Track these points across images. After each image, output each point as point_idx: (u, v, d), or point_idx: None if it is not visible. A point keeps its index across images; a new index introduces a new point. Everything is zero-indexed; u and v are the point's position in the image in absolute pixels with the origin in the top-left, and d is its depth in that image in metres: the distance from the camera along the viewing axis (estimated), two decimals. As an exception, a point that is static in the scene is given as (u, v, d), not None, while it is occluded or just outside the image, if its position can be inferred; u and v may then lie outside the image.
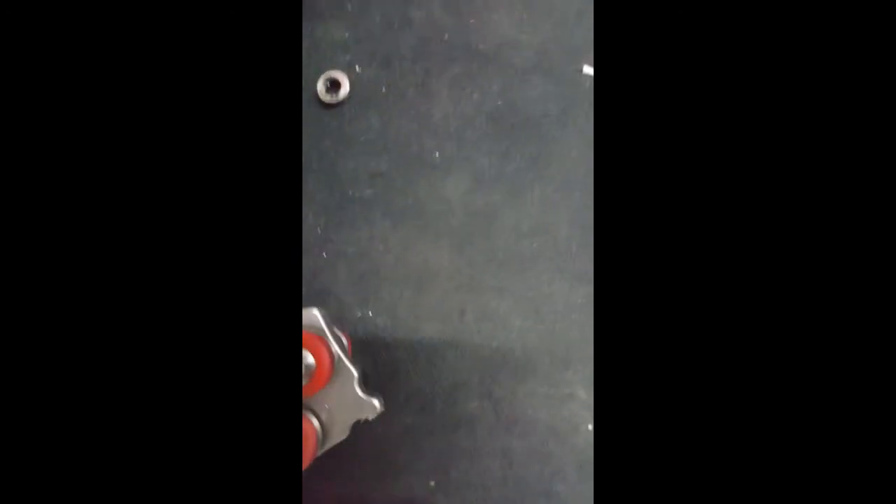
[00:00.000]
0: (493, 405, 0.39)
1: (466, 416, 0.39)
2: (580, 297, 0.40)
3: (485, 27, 0.43)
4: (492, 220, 0.41)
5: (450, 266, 0.40)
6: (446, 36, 0.43)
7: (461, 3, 0.44)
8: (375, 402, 0.36)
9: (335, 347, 0.36)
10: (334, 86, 0.41)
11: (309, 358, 0.34)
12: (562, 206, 0.41)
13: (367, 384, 0.37)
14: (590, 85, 0.43)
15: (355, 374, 0.36)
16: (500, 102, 0.42)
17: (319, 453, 0.36)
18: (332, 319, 0.37)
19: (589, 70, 0.43)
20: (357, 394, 0.36)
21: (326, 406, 0.36)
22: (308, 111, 0.42)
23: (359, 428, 0.37)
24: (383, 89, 0.42)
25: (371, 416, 0.36)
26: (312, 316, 0.36)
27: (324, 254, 0.40)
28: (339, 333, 0.37)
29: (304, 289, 0.40)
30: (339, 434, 0.36)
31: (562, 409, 0.39)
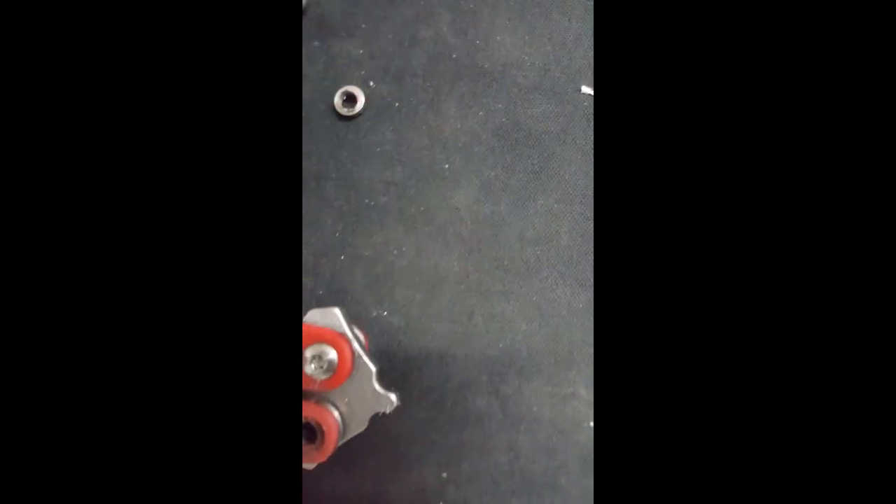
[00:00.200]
0: (500, 402, 0.41)
1: (475, 413, 0.41)
2: (581, 301, 0.42)
3: (490, 48, 0.46)
4: (498, 229, 0.43)
5: (459, 271, 0.42)
6: (454, 55, 0.46)
7: (468, 25, 0.47)
8: (392, 397, 0.38)
9: (355, 344, 0.37)
10: (350, 99, 0.44)
11: (332, 353, 0.36)
12: (563, 216, 0.43)
13: (383, 380, 0.39)
14: (588, 104, 0.45)
15: (373, 369, 0.38)
16: (504, 119, 0.45)
17: (340, 444, 0.37)
18: (351, 318, 0.39)
19: (587, 90, 0.46)
20: (375, 388, 0.38)
21: (346, 400, 0.37)
22: (326, 123, 0.44)
23: (375, 423, 0.39)
24: (396, 104, 0.45)
25: (388, 410, 0.38)
26: (334, 315, 0.38)
27: (342, 256, 0.42)
28: (358, 332, 0.39)
29: (323, 289, 0.42)
30: (357, 426, 0.38)
31: (565, 406, 0.41)
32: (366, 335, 0.40)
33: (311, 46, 0.46)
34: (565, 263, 0.43)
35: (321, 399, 0.37)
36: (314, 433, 0.36)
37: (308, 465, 0.37)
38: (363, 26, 0.46)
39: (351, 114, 0.44)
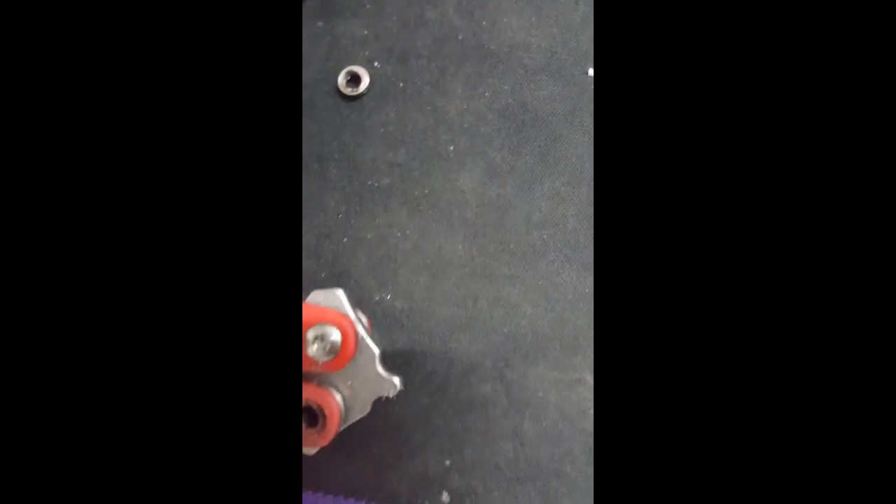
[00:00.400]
0: (505, 388, 0.40)
1: (480, 398, 0.40)
2: (588, 286, 0.41)
3: (496, 29, 0.45)
4: (504, 212, 0.42)
5: (464, 254, 0.42)
6: (460, 36, 0.45)
7: (474, 6, 0.46)
8: (396, 380, 0.37)
9: (358, 326, 0.37)
10: (354, 79, 0.43)
11: (334, 335, 0.35)
12: (570, 199, 0.43)
13: (386, 364, 0.38)
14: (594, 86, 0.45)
15: (376, 352, 0.37)
16: (510, 100, 0.44)
17: (342, 428, 0.36)
18: (353, 302, 0.38)
19: (593, 72, 0.45)
20: (378, 371, 0.37)
21: (349, 383, 0.37)
22: (329, 103, 0.43)
23: (377, 408, 0.38)
24: (401, 85, 0.44)
25: (392, 394, 0.37)
26: (336, 296, 0.37)
27: (344, 239, 0.41)
28: (361, 315, 0.38)
29: (325, 272, 0.41)
30: (360, 410, 0.37)
31: (571, 393, 0.40)
32: (369, 319, 0.39)
33: (314, 27, 0.45)
34: (572, 247, 0.42)
35: (323, 381, 0.36)
36: (315, 417, 0.35)
37: (309, 450, 0.36)
38: (368, 7, 0.45)
39: (355, 94, 0.43)
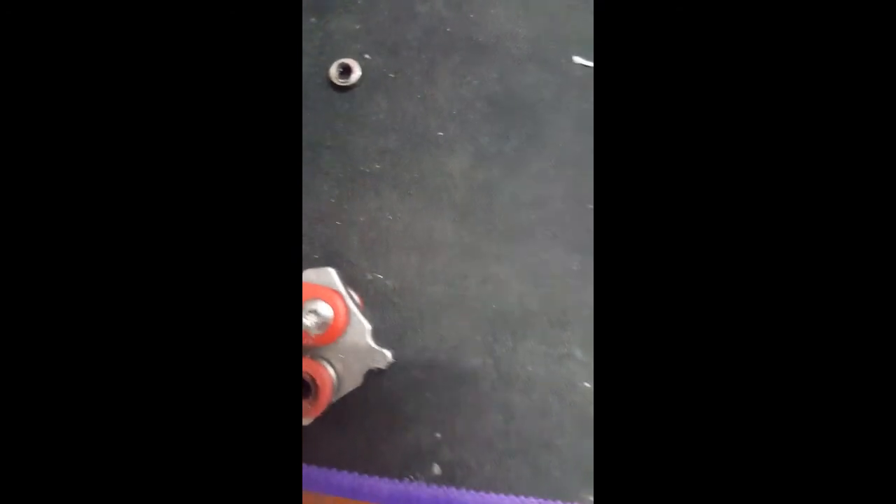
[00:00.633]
0: (494, 362, 0.41)
1: (469, 372, 0.41)
2: (575, 263, 0.42)
3: (484, 20, 0.47)
4: (492, 194, 0.44)
5: (453, 235, 0.43)
6: (449, 28, 0.47)
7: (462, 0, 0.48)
8: (387, 352, 0.39)
9: (349, 301, 0.38)
10: (346, 71, 0.45)
11: (326, 308, 0.37)
12: (556, 181, 0.44)
13: (378, 340, 0.39)
14: (580, 73, 0.46)
15: (368, 326, 0.39)
16: (498, 88, 0.46)
17: (334, 400, 0.38)
18: (346, 281, 0.40)
19: (579, 59, 0.46)
20: (370, 344, 0.38)
21: (341, 356, 0.38)
22: (323, 94, 0.45)
23: (370, 382, 0.40)
24: (391, 75, 0.46)
25: (383, 365, 0.39)
26: (328, 274, 0.39)
27: (337, 222, 0.43)
28: (353, 293, 0.40)
29: (319, 253, 0.42)
30: (352, 382, 0.38)
31: (560, 367, 0.41)
32: (361, 297, 0.41)
33: (308, 22, 0.47)
34: (558, 226, 0.43)
35: (315, 354, 0.38)
36: (308, 387, 0.37)
37: (302, 421, 0.37)
38: (359, 2, 0.47)
39: (347, 84, 0.45)
